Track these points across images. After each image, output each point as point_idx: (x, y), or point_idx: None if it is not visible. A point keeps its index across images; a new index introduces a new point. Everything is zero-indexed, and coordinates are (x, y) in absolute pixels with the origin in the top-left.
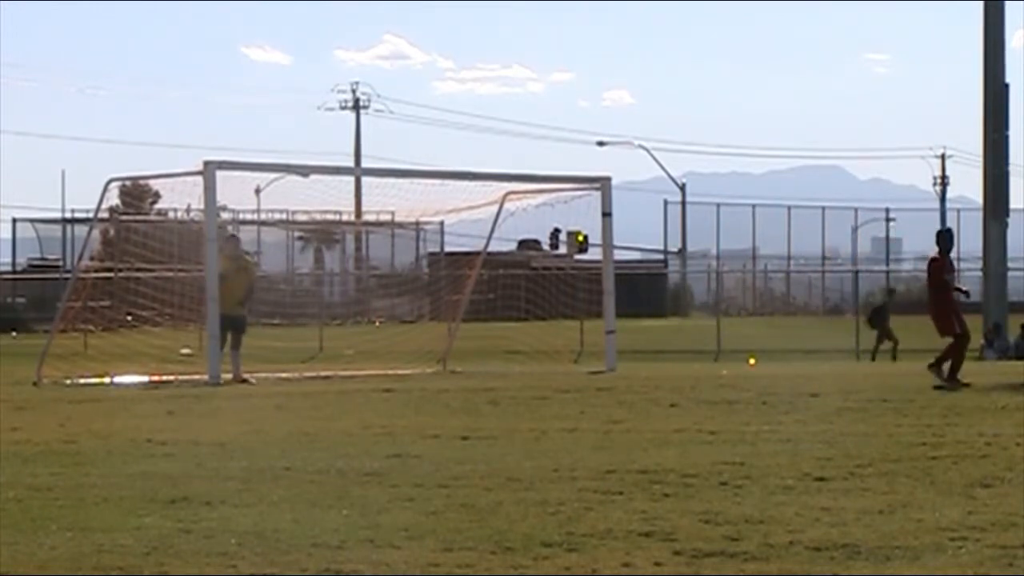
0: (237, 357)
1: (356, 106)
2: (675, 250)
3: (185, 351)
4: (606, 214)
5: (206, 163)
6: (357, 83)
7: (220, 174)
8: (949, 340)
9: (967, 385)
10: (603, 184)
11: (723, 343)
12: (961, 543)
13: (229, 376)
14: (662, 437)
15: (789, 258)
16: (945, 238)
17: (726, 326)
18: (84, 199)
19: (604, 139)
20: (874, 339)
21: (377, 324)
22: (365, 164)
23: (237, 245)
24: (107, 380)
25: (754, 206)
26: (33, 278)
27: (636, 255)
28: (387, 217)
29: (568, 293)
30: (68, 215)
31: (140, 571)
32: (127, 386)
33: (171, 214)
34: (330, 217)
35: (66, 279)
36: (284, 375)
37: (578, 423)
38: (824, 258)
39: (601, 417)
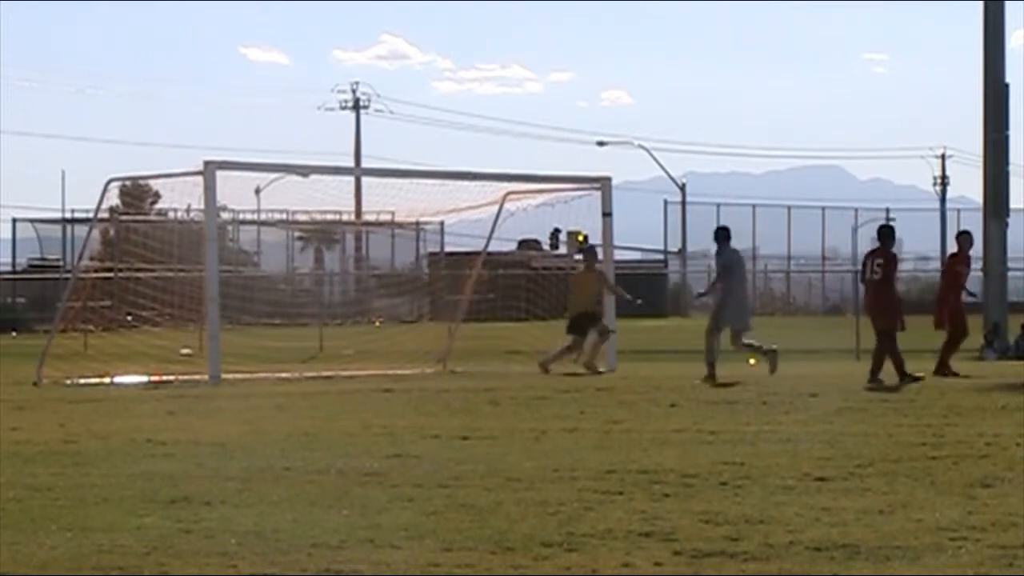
0: (598, 347)
1: (356, 106)
2: (675, 250)
3: (185, 351)
4: (606, 214)
5: (206, 163)
6: (357, 83)
7: (220, 174)
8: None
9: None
10: (603, 184)
11: (723, 343)
12: (961, 543)
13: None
14: (662, 437)
15: (789, 258)
16: (881, 233)
17: None
18: (84, 199)
19: (604, 139)
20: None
21: (377, 324)
22: (365, 164)
23: (596, 253)
24: (107, 380)
25: (754, 206)
26: (33, 278)
27: (636, 255)
28: (387, 217)
29: (568, 293)
30: (68, 215)
31: (140, 571)
32: (127, 386)
33: (171, 214)
34: (330, 217)
35: (66, 279)
36: (284, 375)
37: (578, 423)
38: (824, 258)
39: (601, 417)
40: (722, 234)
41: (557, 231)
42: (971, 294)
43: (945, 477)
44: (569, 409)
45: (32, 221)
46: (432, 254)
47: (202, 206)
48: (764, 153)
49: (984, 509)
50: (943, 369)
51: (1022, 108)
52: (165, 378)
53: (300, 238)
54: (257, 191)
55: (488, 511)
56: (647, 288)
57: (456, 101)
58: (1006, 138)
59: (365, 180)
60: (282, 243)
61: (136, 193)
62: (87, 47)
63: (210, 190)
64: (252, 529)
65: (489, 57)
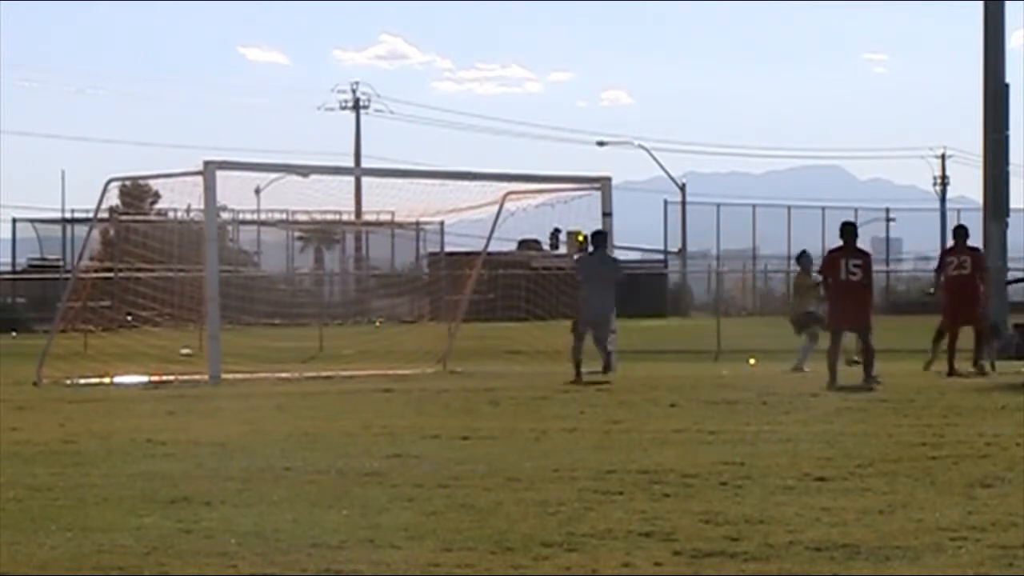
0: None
1: (356, 106)
2: (675, 250)
3: (185, 351)
4: (606, 214)
5: (206, 163)
6: (357, 83)
7: (220, 174)
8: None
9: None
10: (603, 184)
11: (723, 343)
12: (961, 543)
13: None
14: (662, 437)
15: (789, 258)
16: (846, 231)
17: (726, 326)
18: (84, 199)
19: (604, 139)
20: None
21: (377, 324)
22: (365, 164)
23: (810, 258)
24: (107, 380)
25: (754, 206)
26: (33, 278)
27: (636, 255)
28: (387, 217)
29: (568, 293)
30: (68, 215)
31: (140, 571)
32: (127, 386)
33: (171, 214)
34: (330, 217)
35: (66, 279)
36: (284, 375)
37: (578, 423)
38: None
39: (601, 417)
40: (599, 238)
41: (557, 231)
42: (929, 293)
43: (945, 477)
44: (569, 409)
45: (32, 221)
46: (432, 254)
47: (202, 206)
48: (764, 153)
49: (984, 509)
50: (974, 367)
51: (1022, 108)
52: (165, 378)
53: (300, 238)
54: (257, 191)
55: (488, 511)
56: (647, 288)
57: (456, 101)
58: (1006, 138)
59: (365, 180)
60: (282, 243)
61: (136, 193)
62: (87, 47)
63: (210, 190)
64: (252, 529)
65: (489, 57)
